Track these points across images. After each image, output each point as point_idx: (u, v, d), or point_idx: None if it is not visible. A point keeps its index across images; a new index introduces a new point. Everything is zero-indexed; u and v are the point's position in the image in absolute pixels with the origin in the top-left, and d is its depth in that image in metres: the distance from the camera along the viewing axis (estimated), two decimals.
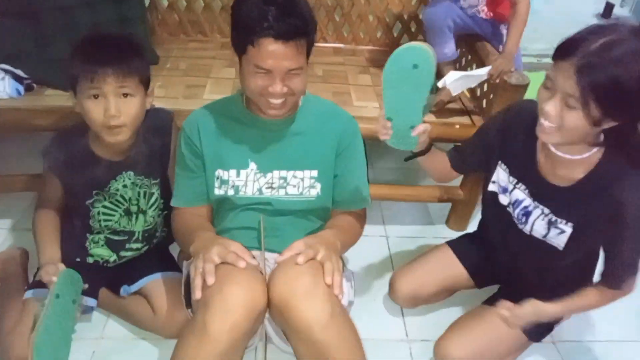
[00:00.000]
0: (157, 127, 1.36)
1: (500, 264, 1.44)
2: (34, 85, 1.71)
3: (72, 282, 1.23)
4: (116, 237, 1.42)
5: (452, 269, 1.51)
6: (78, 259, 1.41)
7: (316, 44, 2.25)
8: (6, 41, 1.73)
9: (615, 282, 1.19)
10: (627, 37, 0.94)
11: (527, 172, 1.24)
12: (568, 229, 1.18)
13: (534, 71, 2.42)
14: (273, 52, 1.09)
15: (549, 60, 2.58)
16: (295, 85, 1.16)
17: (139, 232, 1.43)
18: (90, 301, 1.40)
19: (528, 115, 1.16)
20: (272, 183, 1.29)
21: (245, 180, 1.28)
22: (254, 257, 1.16)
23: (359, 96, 1.90)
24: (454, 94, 1.71)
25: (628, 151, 1.06)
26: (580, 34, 0.98)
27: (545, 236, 1.24)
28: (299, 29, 1.09)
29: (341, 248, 1.26)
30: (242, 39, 1.12)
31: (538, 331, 1.36)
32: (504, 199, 1.32)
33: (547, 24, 2.58)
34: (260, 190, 1.29)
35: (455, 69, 1.91)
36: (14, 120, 1.60)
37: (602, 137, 1.07)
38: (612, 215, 1.10)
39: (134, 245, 1.44)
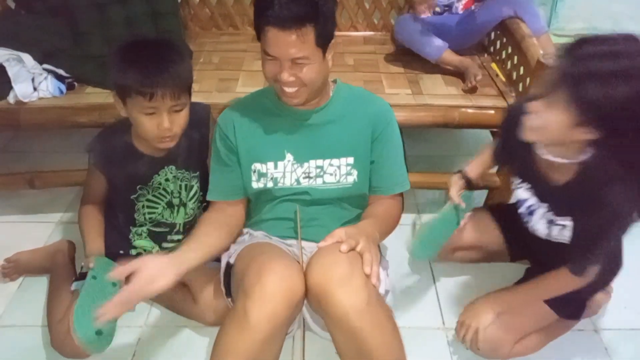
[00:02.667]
0: (196, 122, 1.38)
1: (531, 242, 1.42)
2: (75, 83, 1.76)
3: (107, 267, 1.31)
4: (158, 229, 1.46)
5: (488, 229, 1.51)
6: (121, 251, 1.46)
7: (347, 33, 2.29)
8: (45, 41, 1.79)
9: (578, 269, 1.22)
10: (619, 45, 0.95)
11: (528, 171, 1.26)
12: (568, 222, 1.20)
13: None
14: (275, 39, 1.10)
15: None
16: (304, 75, 1.15)
17: (180, 224, 1.47)
18: None
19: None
20: (309, 172, 1.30)
21: (283, 172, 1.30)
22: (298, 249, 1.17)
23: (390, 83, 1.89)
24: None
25: (618, 162, 1.06)
26: (572, 45, 0.99)
27: (548, 235, 1.27)
28: (301, 17, 1.08)
29: (380, 238, 1.27)
30: (255, 26, 1.14)
31: (567, 307, 1.35)
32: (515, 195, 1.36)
33: (585, 2, 2.48)
34: (297, 180, 1.30)
35: (477, 54, 2.00)
36: (57, 118, 1.66)
37: (587, 152, 1.08)
38: (593, 205, 1.11)
39: (175, 237, 1.48)
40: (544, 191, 1.24)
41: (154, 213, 1.44)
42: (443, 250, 1.47)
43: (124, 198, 1.41)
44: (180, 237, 1.49)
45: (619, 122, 0.96)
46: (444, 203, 1.39)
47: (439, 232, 1.39)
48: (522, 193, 1.30)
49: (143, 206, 1.42)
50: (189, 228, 1.49)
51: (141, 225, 1.46)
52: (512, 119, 1.24)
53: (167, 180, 1.41)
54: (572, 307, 1.37)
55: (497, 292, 1.37)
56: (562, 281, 1.26)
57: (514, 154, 1.28)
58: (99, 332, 1.17)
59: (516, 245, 1.51)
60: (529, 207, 1.29)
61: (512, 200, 1.34)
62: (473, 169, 1.42)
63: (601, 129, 0.98)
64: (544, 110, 1.03)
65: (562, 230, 1.23)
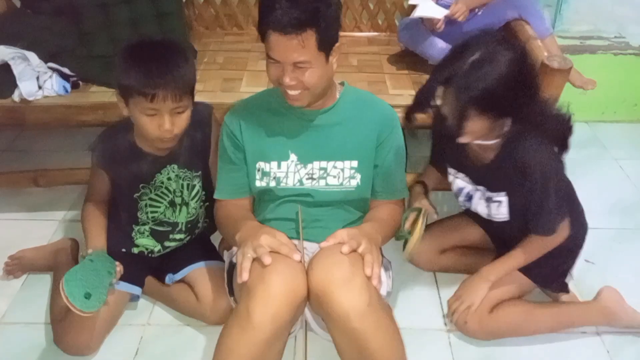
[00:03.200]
0: (198, 121, 1.39)
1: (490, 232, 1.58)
2: (80, 82, 1.77)
3: (106, 258, 1.33)
4: (161, 228, 1.47)
5: (469, 227, 1.59)
6: (124, 250, 1.47)
7: (351, 34, 2.28)
8: (50, 40, 1.80)
9: (547, 229, 1.31)
10: (493, 48, 1.11)
11: (461, 160, 1.38)
12: (503, 198, 1.33)
13: (577, 54, 2.33)
14: (277, 44, 1.11)
15: (592, 42, 2.49)
16: (306, 78, 1.15)
17: (182, 223, 1.48)
18: (135, 289, 1.46)
19: None
20: (313, 174, 1.30)
21: (286, 172, 1.30)
22: (300, 250, 1.18)
23: (394, 84, 1.89)
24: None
25: (538, 127, 1.22)
26: (452, 55, 1.15)
27: (488, 215, 1.39)
28: (302, 22, 1.08)
29: (382, 240, 1.27)
30: (258, 30, 1.15)
31: (543, 275, 1.44)
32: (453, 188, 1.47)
33: (589, 5, 2.48)
34: (300, 181, 1.30)
35: None
36: (62, 117, 1.67)
37: (505, 127, 1.23)
38: (523, 174, 1.24)
39: (177, 236, 1.49)
40: (477, 174, 1.36)
41: (156, 212, 1.44)
42: (431, 253, 1.59)
43: (127, 197, 1.42)
44: (182, 236, 1.49)
45: (508, 94, 1.12)
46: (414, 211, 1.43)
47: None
48: (460, 182, 1.42)
49: (146, 205, 1.43)
50: (190, 227, 1.49)
51: (144, 224, 1.46)
52: (438, 124, 1.34)
53: (169, 179, 1.41)
54: (558, 280, 1.48)
55: (488, 266, 1.42)
56: (539, 244, 1.35)
57: (447, 150, 1.41)
58: (87, 295, 1.19)
59: (494, 237, 1.58)
60: (467, 193, 1.41)
61: (454, 189, 1.45)
62: (429, 180, 1.56)
63: (502, 109, 1.16)
64: (465, 126, 1.17)
65: (499, 207, 1.35)
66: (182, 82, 1.22)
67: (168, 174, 1.41)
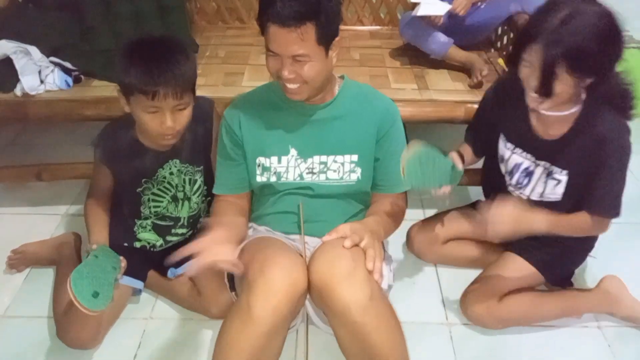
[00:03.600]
0: (200, 116, 1.39)
1: None
2: (82, 76, 1.77)
3: (110, 253, 1.32)
4: (163, 223, 1.47)
5: (471, 217, 1.55)
6: (126, 244, 1.48)
7: (353, 27, 2.28)
8: (52, 34, 1.80)
9: (605, 209, 1.28)
10: (581, 5, 1.11)
11: (523, 135, 1.35)
12: (564, 177, 1.31)
13: None
14: (276, 36, 1.11)
15: None
16: (305, 72, 1.15)
17: (184, 218, 1.48)
18: (137, 283, 1.46)
19: (515, 85, 1.26)
20: (313, 168, 1.30)
21: (286, 167, 1.30)
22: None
23: (396, 78, 1.88)
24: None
25: (610, 99, 1.22)
26: (539, 14, 1.14)
27: (542, 194, 1.36)
28: (302, 15, 1.08)
29: (384, 235, 1.27)
30: (258, 22, 1.15)
31: (555, 273, 1.46)
32: (502, 168, 1.43)
33: None
34: (301, 175, 1.30)
35: (484, 49, 2.02)
36: (64, 111, 1.66)
37: (583, 94, 1.21)
38: (597, 150, 1.23)
39: (180, 231, 1.49)
40: (542, 149, 1.33)
41: (159, 207, 1.44)
42: (433, 243, 1.58)
43: (129, 192, 1.42)
44: (184, 230, 1.50)
45: (599, 49, 1.11)
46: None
47: (430, 170, 1.28)
48: (517, 157, 1.38)
49: (148, 199, 1.43)
50: (192, 222, 1.50)
51: (146, 219, 1.47)
52: (502, 93, 1.38)
53: (171, 174, 1.41)
54: (559, 273, 1.48)
55: (540, 212, 1.29)
56: (585, 223, 1.30)
57: (507, 124, 1.38)
58: (95, 294, 1.19)
59: None
60: (526, 168, 1.37)
61: (508, 167, 1.40)
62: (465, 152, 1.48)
63: (591, 66, 1.13)
64: (551, 86, 1.14)
65: (556, 187, 1.32)
66: (183, 79, 1.22)
67: (170, 168, 1.41)
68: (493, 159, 1.47)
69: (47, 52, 1.74)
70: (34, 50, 1.70)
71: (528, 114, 1.33)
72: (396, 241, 1.73)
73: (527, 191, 1.38)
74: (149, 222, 1.47)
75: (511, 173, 1.41)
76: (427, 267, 1.68)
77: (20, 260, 1.63)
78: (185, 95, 1.24)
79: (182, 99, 1.24)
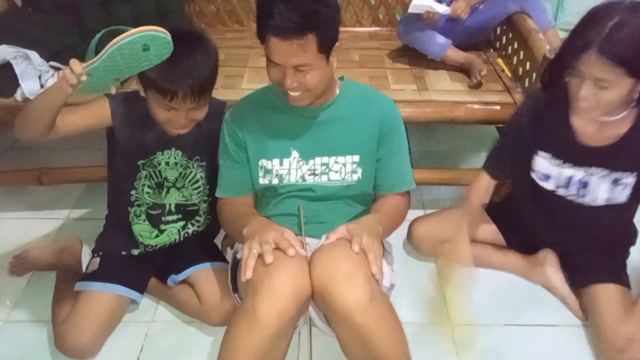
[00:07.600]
0: (211, 114, 1.36)
1: (539, 238, 1.54)
2: None
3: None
4: (153, 212, 1.44)
5: (481, 222, 1.57)
6: (124, 252, 1.46)
7: (352, 29, 2.28)
8: (52, 38, 1.80)
9: None
10: (628, 16, 1.11)
11: (569, 147, 1.34)
12: (631, 179, 1.30)
13: None
14: (277, 48, 1.10)
15: None
16: (307, 81, 1.15)
17: (171, 205, 1.45)
18: (133, 294, 1.44)
19: (551, 100, 1.29)
20: (315, 170, 1.30)
21: (288, 169, 1.30)
22: (303, 246, 1.17)
23: (395, 79, 1.89)
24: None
25: None
26: (585, 24, 1.15)
27: (608, 199, 1.34)
28: (302, 27, 1.07)
29: (384, 232, 1.27)
30: (257, 34, 1.14)
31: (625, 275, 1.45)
32: (548, 185, 1.39)
33: None
34: (303, 177, 1.30)
35: (483, 49, 2.02)
36: None
37: (636, 94, 1.21)
38: None
39: (169, 218, 1.46)
40: (592, 157, 1.32)
41: (148, 192, 1.42)
42: (435, 240, 1.57)
43: (126, 164, 1.39)
44: (174, 217, 1.46)
45: None
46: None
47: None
48: (567, 171, 1.36)
49: (144, 176, 1.41)
50: (183, 210, 1.47)
51: (139, 205, 1.44)
52: (537, 107, 1.36)
53: (167, 163, 1.39)
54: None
55: None
56: None
57: (548, 140, 1.37)
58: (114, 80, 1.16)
59: (510, 234, 1.60)
60: (580, 179, 1.35)
61: (560, 181, 1.38)
62: (477, 196, 1.51)
63: None
64: (595, 93, 1.16)
65: (624, 190, 1.32)
66: (203, 83, 1.20)
67: (169, 158, 1.39)
68: (520, 180, 1.48)
69: (47, 55, 1.74)
70: (33, 55, 1.70)
71: (570, 125, 1.33)
72: (397, 241, 1.73)
73: (587, 200, 1.37)
74: (142, 209, 1.44)
75: (566, 187, 1.39)
76: (429, 267, 1.68)
77: (22, 265, 1.62)
78: (202, 97, 1.23)
79: (199, 101, 1.23)
